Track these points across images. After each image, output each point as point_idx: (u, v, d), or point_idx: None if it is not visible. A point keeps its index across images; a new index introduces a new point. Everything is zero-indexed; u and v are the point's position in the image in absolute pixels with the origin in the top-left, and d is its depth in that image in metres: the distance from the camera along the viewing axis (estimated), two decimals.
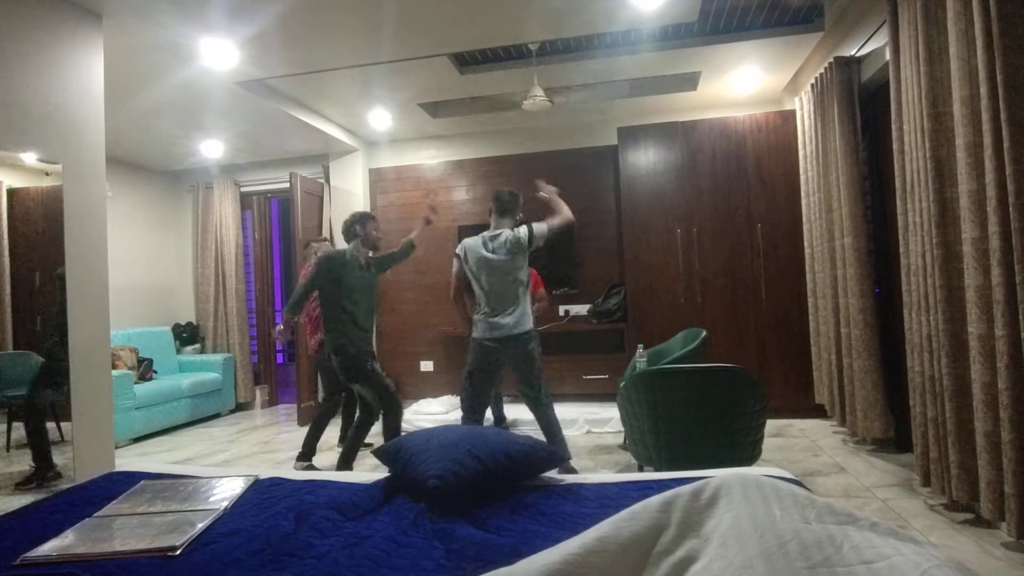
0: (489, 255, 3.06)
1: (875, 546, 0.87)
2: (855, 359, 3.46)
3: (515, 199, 3.21)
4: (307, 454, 3.65)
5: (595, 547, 1.00)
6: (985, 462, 2.14)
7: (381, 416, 3.33)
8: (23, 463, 2.86)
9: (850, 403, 3.57)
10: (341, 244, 4.39)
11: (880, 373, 3.39)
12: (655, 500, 1.09)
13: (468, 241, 3.17)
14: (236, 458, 4.13)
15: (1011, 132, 1.92)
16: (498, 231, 3.13)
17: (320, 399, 3.88)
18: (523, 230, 3.08)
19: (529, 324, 3.07)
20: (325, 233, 5.49)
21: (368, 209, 5.67)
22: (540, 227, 3.08)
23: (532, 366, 3.07)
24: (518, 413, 4.36)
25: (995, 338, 2.06)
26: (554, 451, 1.86)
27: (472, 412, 3.13)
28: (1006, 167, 1.95)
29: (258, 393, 6.08)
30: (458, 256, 3.18)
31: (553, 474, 1.89)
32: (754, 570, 0.84)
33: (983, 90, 2.04)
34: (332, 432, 4.16)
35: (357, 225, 3.36)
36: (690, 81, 4.59)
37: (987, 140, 2.03)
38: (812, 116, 3.97)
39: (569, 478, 1.86)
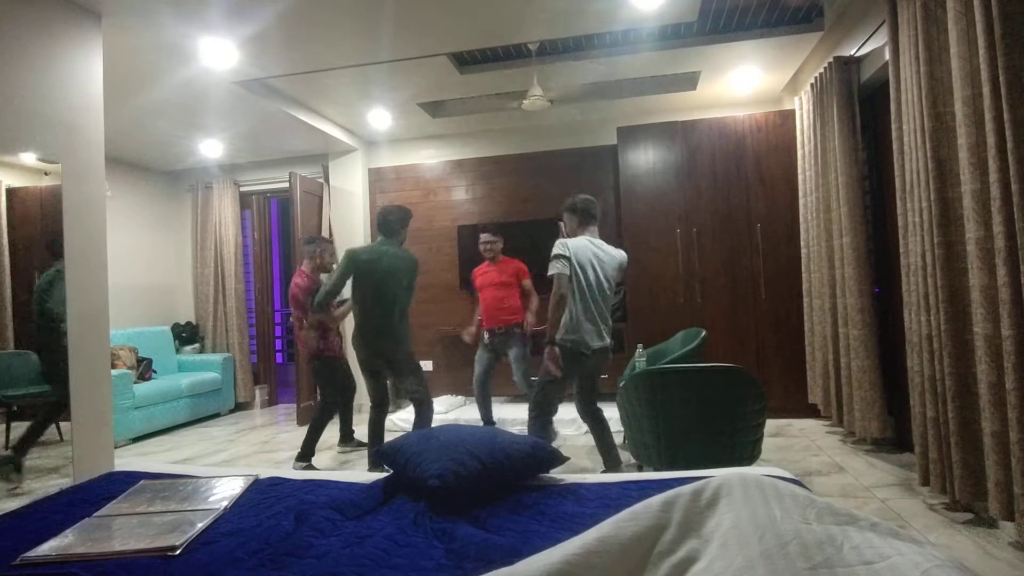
0: (598, 263, 2.93)
1: (875, 546, 0.87)
2: (853, 359, 3.46)
3: (596, 204, 3.07)
4: (306, 455, 3.65)
5: (596, 547, 1.00)
6: (992, 462, 2.13)
7: (415, 410, 3.40)
8: (25, 463, 2.85)
9: (847, 403, 3.57)
10: (343, 234, 4.42)
11: (878, 373, 3.39)
12: (656, 500, 1.09)
13: (575, 243, 2.93)
14: (235, 458, 4.13)
15: (1015, 132, 1.92)
16: (599, 240, 3.00)
17: (320, 400, 3.87)
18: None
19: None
20: (324, 233, 5.48)
21: (368, 209, 5.67)
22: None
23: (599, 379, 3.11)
24: (503, 414, 4.39)
25: (1002, 338, 2.06)
26: (554, 451, 1.86)
27: (545, 428, 3.00)
28: (1010, 167, 1.94)
29: (257, 393, 6.08)
30: (567, 258, 2.86)
31: (555, 473, 1.88)
32: (755, 570, 0.84)
33: (986, 90, 2.03)
34: (331, 432, 4.16)
35: (403, 229, 3.37)
36: (690, 81, 4.59)
37: (990, 140, 2.03)
38: (811, 116, 3.97)
39: (570, 477, 1.85)
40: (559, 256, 2.87)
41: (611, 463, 3.05)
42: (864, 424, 3.39)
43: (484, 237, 4.18)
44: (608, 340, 3.00)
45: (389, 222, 3.34)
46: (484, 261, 4.23)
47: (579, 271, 2.88)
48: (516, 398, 5.04)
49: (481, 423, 4.19)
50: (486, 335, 4.14)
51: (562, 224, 3.13)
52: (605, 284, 2.95)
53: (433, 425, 2.93)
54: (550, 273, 2.87)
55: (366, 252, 3.28)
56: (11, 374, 2.86)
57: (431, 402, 3.37)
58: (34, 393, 2.87)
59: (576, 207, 3.04)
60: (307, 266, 3.86)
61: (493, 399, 4.38)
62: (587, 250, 2.92)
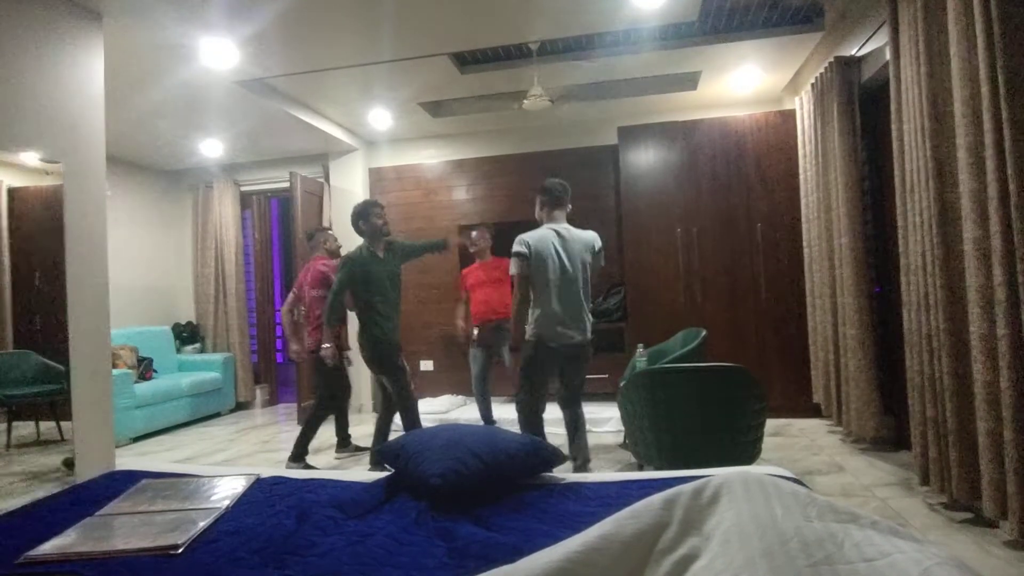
0: (563, 253, 2.87)
1: (876, 544, 0.87)
2: (851, 358, 3.46)
3: (567, 189, 3.00)
4: (299, 455, 3.63)
5: (598, 545, 1.01)
6: (987, 461, 2.14)
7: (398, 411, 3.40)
8: (26, 462, 2.86)
9: (846, 402, 3.57)
10: (341, 234, 4.44)
11: (875, 372, 3.40)
12: (657, 498, 1.10)
13: (535, 236, 2.88)
14: (236, 457, 4.13)
15: (1012, 133, 1.93)
16: (565, 225, 2.95)
17: (317, 399, 3.87)
18: (595, 235, 3.02)
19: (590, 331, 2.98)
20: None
21: None
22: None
23: (583, 374, 3.06)
24: (502, 414, 4.37)
25: (997, 338, 2.06)
26: (556, 450, 1.86)
27: (531, 425, 2.97)
28: (1007, 167, 1.95)
29: (258, 392, 6.08)
30: (524, 255, 2.84)
31: (556, 472, 1.89)
32: (756, 568, 0.85)
33: (984, 90, 2.04)
34: (330, 433, 4.15)
35: (361, 222, 3.39)
36: (690, 80, 4.59)
37: (988, 140, 2.03)
38: (812, 116, 3.98)
39: (571, 477, 1.86)
40: (515, 254, 2.85)
41: (579, 464, 2.97)
42: (860, 423, 3.40)
43: (475, 235, 4.24)
44: (584, 335, 2.92)
45: (353, 226, 3.43)
46: (475, 262, 4.30)
47: (540, 265, 2.84)
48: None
49: (482, 423, 4.20)
50: (475, 331, 4.16)
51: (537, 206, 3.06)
52: (576, 271, 2.88)
53: (434, 425, 2.94)
54: (510, 272, 2.90)
55: None
56: (12, 374, 2.86)
57: (411, 406, 3.34)
58: (35, 393, 2.88)
59: (546, 189, 2.98)
60: (323, 253, 4.03)
61: (493, 399, 4.38)
62: (548, 240, 2.86)
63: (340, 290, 3.29)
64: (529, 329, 2.90)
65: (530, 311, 2.91)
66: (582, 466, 2.97)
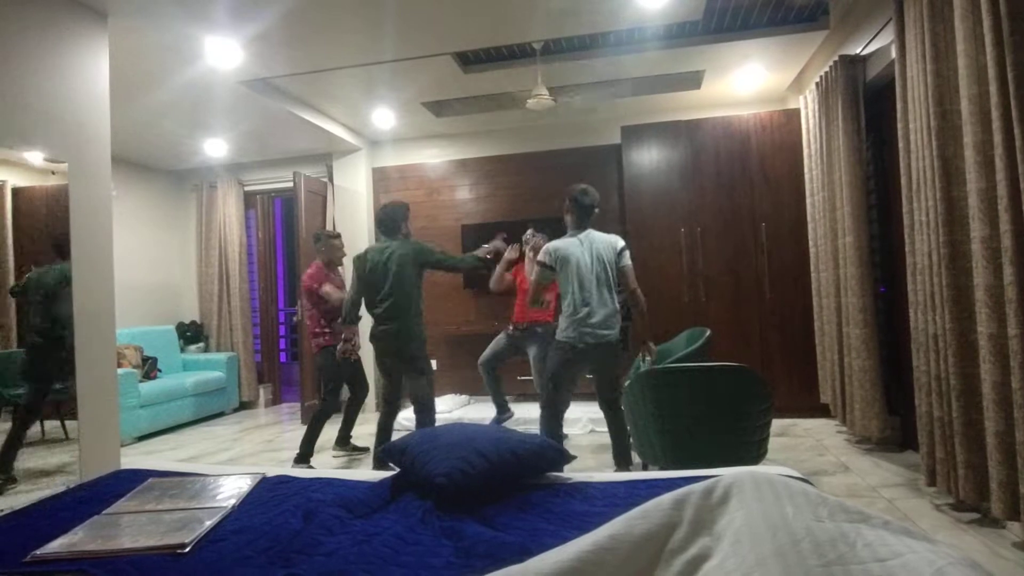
0: (587, 257, 2.97)
1: (889, 544, 0.87)
2: (855, 358, 3.45)
3: (595, 197, 3.08)
4: (305, 455, 3.63)
5: (608, 544, 1.00)
6: (996, 462, 2.13)
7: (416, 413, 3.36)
8: (27, 462, 2.86)
9: (850, 402, 3.56)
10: (346, 234, 4.42)
11: (879, 372, 3.39)
12: (667, 498, 1.09)
13: (558, 244, 3.03)
14: (240, 456, 4.14)
15: (1022, 131, 1.91)
16: (588, 231, 3.04)
17: (322, 399, 3.87)
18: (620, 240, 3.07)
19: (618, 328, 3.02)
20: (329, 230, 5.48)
21: (372, 208, 5.67)
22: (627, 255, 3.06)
23: (615, 372, 3.06)
24: (518, 412, 4.36)
25: (1008, 337, 2.04)
26: (562, 450, 1.86)
27: (551, 424, 3.02)
28: (1018, 165, 1.94)
29: (262, 392, 6.08)
30: (547, 266, 3.00)
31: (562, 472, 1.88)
32: (768, 568, 0.84)
33: (992, 88, 2.03)
34: (331, 432, 4.14)
35: (403, 223, 3.38)
36: (694, 80, 4.58)
37: (997, 138, 2.02)
38: (816, 115, 3.97)
39: (577, 476, 1.85)
40: (539, 263, 3.06)
41: (621, 463, 3.01)
42: (864, 423, 3.39)
43: (530, 233, 4.11)
44: (609, 332, 2.95)
45: (384, 221, 3.36)
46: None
47: (566, 270, 2.95)
48: (521, 397, 5.03)
49: (494, 416, 4.15)
50: (511, 327, 4.12)
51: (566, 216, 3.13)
52: (600, 274, 2.96)
53: (438, 424, 2.93)
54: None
55: (372, 252, 3.31)
56: (16, 373, 2.86)
57: (433, 408, 3.33)
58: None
59: (574, 199, 3.05)
60: (320, 259, 3.95)
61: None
62: (573, 247, 2.99)
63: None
64: (559, 332, 3.02)
65: (560, 315, 3.05)
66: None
